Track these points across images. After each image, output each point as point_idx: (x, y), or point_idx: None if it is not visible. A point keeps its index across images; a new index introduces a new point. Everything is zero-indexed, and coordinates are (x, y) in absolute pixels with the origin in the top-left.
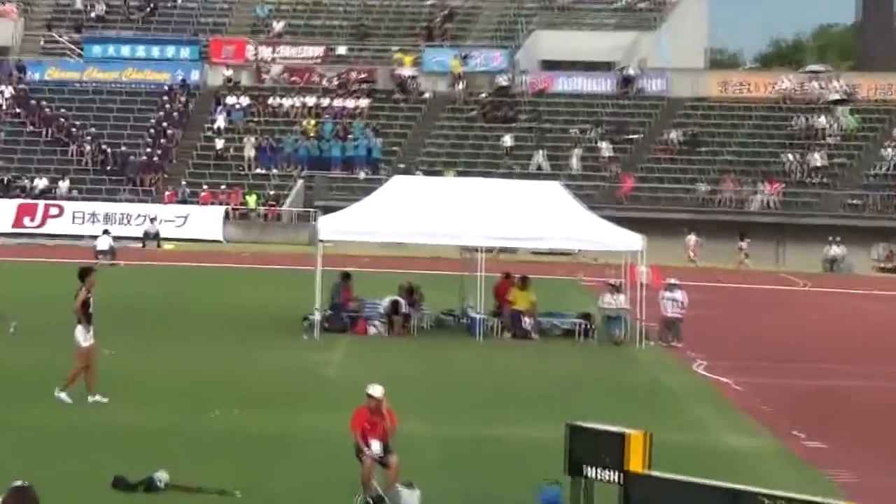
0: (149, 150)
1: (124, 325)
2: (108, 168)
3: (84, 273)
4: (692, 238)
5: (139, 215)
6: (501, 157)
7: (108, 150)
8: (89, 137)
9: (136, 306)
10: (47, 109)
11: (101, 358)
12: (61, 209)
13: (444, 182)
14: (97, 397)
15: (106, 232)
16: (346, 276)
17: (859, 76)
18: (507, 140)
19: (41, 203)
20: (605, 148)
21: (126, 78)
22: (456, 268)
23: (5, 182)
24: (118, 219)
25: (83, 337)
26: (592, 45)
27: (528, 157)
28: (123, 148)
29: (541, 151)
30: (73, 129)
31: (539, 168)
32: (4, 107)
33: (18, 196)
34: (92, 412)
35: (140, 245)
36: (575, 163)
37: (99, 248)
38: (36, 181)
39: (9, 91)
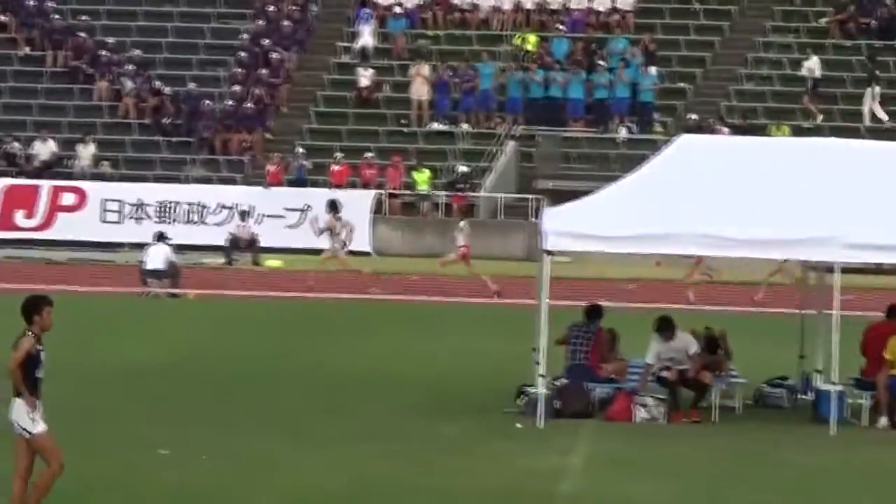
0: (235, 89)
1: (192, 403)
2: (165, 122)
3: (32, 307)
4: None
5: (220, 207)
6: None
7: (164, 90)
8: (130, 68)
9: (214, 369)
10: (57, 19)
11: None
12: (82, 195)
13: (770, 146)
14: None
15: (161, 238)
16: (595, 314)
17: None
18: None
19: (46, 185)
20: None
21: None
22: (784, 301)
23: None
24: (183, 213)
25: (28, 417)
26: None
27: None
28: (191, 87)
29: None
30: (102, 54)
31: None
32: None
33: (4, 172)
34: None
35: (223, 260)
36: None
37: (149, 265)
38: (36, 146)
39: None
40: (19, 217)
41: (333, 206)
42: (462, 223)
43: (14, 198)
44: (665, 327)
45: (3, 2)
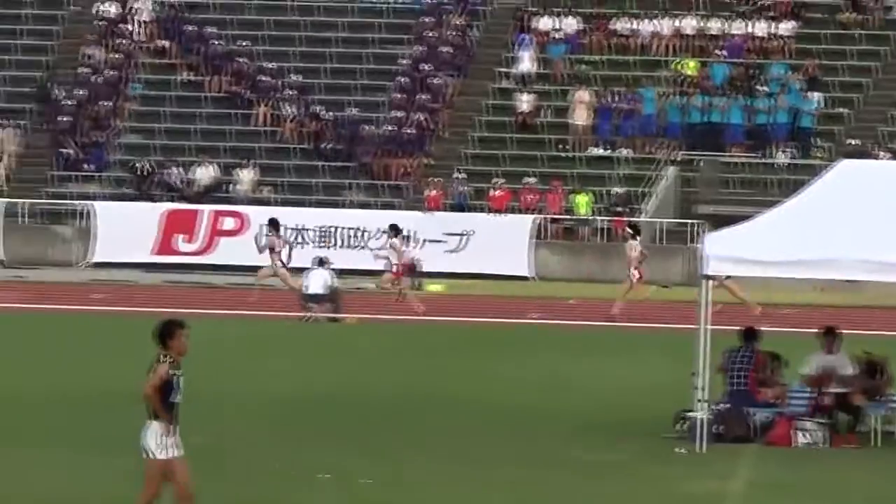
0: (396, 115)
1: (352, 428)
2: (325, 147)
3: (166, 332)
4: None
5: (381, 232)
6: None
7: (324, 114)
8: (291, 93)
9: (374, 393)
10: (217, 44)
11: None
12: (242, 220)
13: None
14: None
15: (322, 262)
16: (751, 337)
17: None
18: None
19: (206, 209)
20: None
21: None
22: None
23: (141, 172)
24: (343, 238)
25: (158, 442)
26: None
27: None
28: (352, 112)
29: None
30: (262, 80)
31: None
32: (143, 37)
33: (165, 197)
34: None
35: (383, 284)
36: None
37: (310, 289)
38: (197, 171)
39: (147, 11)
40: (180, 242)
41: (274, 225)
42: (394, 239)
43: (175, 222)
44: (829, 334)
45: (165, 28)
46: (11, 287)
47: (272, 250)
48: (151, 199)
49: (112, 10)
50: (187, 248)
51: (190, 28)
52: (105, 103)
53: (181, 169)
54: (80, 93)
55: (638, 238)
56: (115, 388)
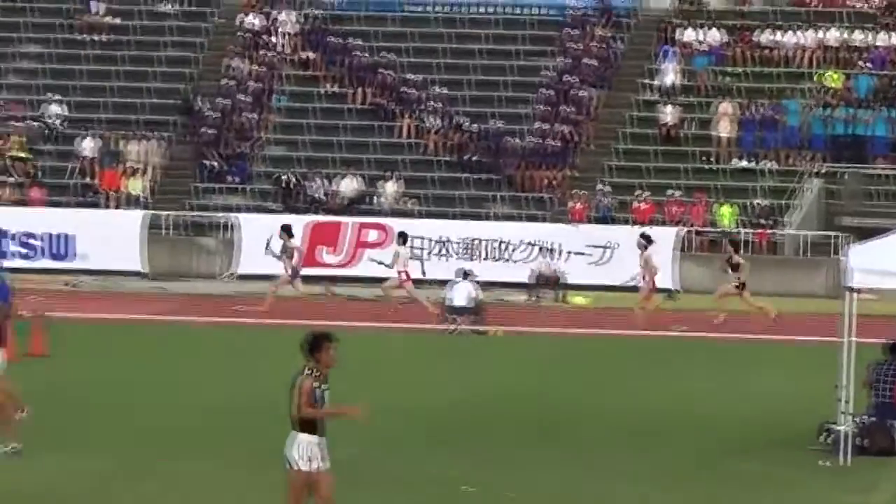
0: (540, 127)
1: (497, 441)
2: (468, 159)
3: (313, 344)
4: None
5: (525, 244)
6: None
7: (468, 126)
8: (435, 105)
9: (518, 407)
10: (361, 56)
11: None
12: (386, 232)
13: None
14: None
15: (466, 274)
16: (895, 350)
17: None
18: None
19: (350, 221)
20: None
21: None
22: None
23: (286, 184)
24: (487, 250)
25: (302, 453)
26: None
27: None
28: (497, 124)
29: None
30: (405, 91)
31: None
32: (287, 48)
33: (310, 209)
34: None
35: (527, 297)
36: None
37: (454, 301)
38: (341, 183)
39: (291, 23)
40: (324, 253)
41: (287, 231)
42: (400, 248)
43: (319, 234)
44: None
45: (309, 39)
46: (155, 299)
47: (284, 255)
48: (295, 210)
49: (256, 21)
50: (331, 259)
51: (334, 40)
52: (249, 115)
53: (325, 181)
54: (224, 104)
55: (650, 247)
56: (258, 401)
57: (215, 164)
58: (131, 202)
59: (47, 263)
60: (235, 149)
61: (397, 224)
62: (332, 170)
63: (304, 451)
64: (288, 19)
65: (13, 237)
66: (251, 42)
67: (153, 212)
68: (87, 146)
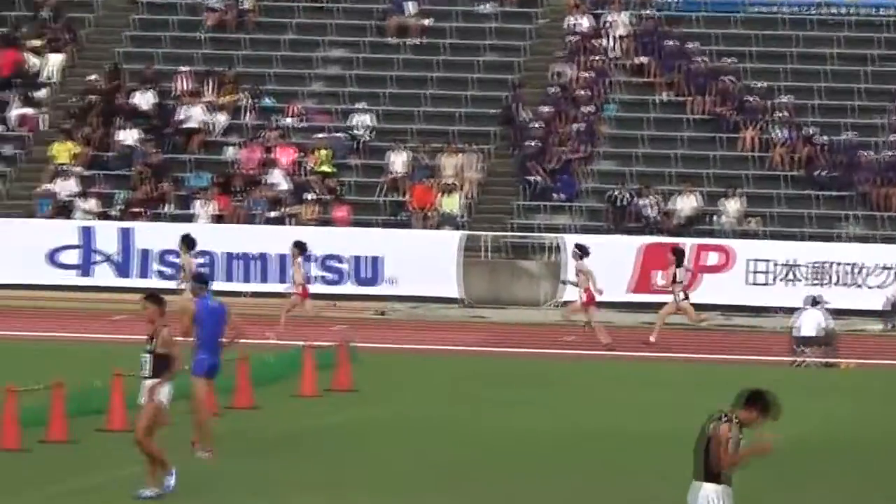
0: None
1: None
2: (818, 175)
3: (755, 401)
4: None
5: (881, 268)
6: None
7: (818, 138)
8: (782, 115)
9: (857, 455)
10: (700, 61)
11: None
12: (727, 255)
13: None
14: None
15: (815, 302)
16: None
17: None
18: None
19: (687, 243)
20: None
21: None
22: None
23: (619, 202)
24: (838, 274)
25: None
26: None
27: None
28: (849, 135)
29: None
30: (748, 100)
31: None
32: (618, 53)
33: (643, 230)
34: None
35: (883, 325)
36: None
37: (802, 330)
38: (677, 200)
39: (623, 25)
40: (659, 278)
41: (300, 247)
42: (299, 259)
43: (652, 257)
44: None
45: (643, 43)
46: (472, 328)
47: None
48: (627, 231)
49: (584, 23)
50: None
51: (670, 43)
52: (576, 126)
53: (660, 198)
54: (549, 114)
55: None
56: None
57: (539, 179)
58: (446, 221)
59: (353, 289)
60: (561, 163)
61: (737, 246)
62: (667, 186)
63: (714, 501)
64: (619, 20)
65: (316, 260)
66: (579, 45)
67: (470, 232)
68: (398, 160)
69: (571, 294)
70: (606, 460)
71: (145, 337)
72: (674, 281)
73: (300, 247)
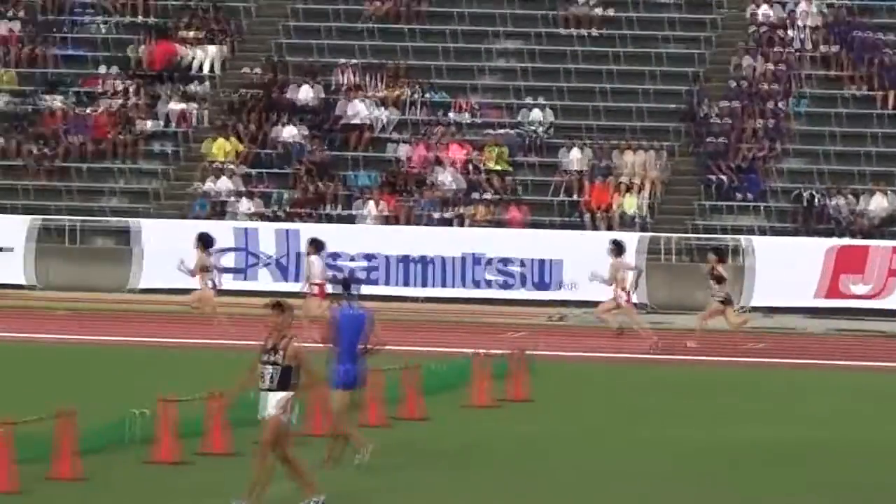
0: None
1: None
2: None
3: None
4: None
5: None
6: None
7: None
8: None
9: None
10: (892, 54)
11: None
12: None
13: None
14: None
15: None
16: None
17: None
18: None
19: (879, 245)
20: None
21: None
22: None
23: (806, 202)
24: None
25: None
26: None
27: None
28: None
29: None
30: None
31: None
32: (808, 44)
33: (833, 231)
34: None
35: None
36: None
37: None
38: (871, 200)
39: (813, 15)
40: (849, 283)
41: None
42: (312, 257)
43: (843, 261)
44: None
45: (834, 34)
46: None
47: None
48: (815, 233)
49: (771, 13)
50: (858, 290)
51: (862, 34)
52: (763, 121)
53: (850, 198)
54: (734, 109)
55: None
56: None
57: (723, 178)
58: (625, 223)
59: (528, 294)
60: (747, 161)
61: None
62: (858, 185)
63: None
64: (809, 10)
65: (489, 263)
66: (765, 37)
67: (652, 234)
68: (575, 158)
69: (598, 292)
70: (833, 472)
71: (262, 344)
72: (719, 281)
73: (316, 244)
